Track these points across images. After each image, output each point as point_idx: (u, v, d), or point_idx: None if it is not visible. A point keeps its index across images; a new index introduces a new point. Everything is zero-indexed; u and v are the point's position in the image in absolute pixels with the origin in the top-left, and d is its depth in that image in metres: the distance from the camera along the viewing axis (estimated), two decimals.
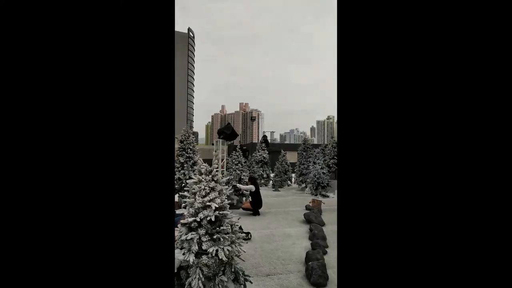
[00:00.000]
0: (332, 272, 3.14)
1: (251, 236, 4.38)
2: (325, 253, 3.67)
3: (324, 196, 8.91)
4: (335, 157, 10.23)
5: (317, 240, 4.01)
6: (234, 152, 10.96)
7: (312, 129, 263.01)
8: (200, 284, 2.10)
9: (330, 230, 4.89)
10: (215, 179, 2.39)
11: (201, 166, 2.40)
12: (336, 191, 9.13)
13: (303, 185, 11.21)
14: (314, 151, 11.79)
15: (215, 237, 2.25)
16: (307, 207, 6.45)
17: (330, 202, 7.77)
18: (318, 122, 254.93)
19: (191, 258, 2.13)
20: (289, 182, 13.15)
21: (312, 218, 5.26)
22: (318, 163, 9.78)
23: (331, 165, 10.48)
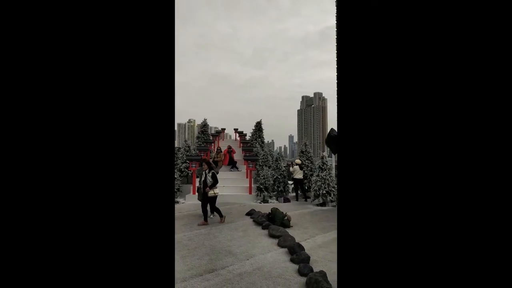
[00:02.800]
0: None
1: None
2: None
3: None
4: (187, 161, 10.08)
5: None
6: None
7: None
8: None
9: None
10: None
11: None
12: (186, 196, 8.99)
13: None
14: None
15: None
16: None
17: (178, 209, 7.51)
18: (179, 125, 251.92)
19: None
20: None
21: None
22: None
23: (183, 169, 10.27)
